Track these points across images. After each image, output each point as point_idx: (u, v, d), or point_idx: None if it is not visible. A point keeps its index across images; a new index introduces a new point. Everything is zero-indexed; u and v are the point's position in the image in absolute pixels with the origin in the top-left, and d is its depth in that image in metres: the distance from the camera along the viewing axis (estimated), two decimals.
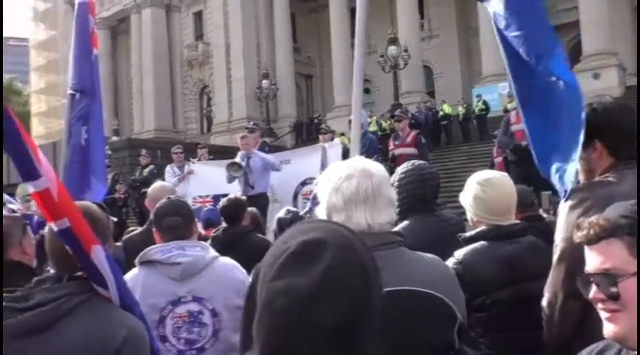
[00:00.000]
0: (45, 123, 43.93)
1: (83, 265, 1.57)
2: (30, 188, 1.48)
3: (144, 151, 12.70)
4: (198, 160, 9.33)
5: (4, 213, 4.16)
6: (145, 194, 4.42)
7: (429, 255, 1.63)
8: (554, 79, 2.13)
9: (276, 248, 0.93)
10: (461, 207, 2.38)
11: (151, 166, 11.77)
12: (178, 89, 36.67)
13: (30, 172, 1.45)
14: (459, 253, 2.11)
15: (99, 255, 1.56)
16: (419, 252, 1.62)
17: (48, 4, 44.08)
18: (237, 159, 6.99)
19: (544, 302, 1.83)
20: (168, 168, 9.03)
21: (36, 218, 6.81)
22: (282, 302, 0.85)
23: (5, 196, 8.98)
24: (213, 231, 3.97)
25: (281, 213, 3.55)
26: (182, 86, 36.71)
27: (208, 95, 35.93)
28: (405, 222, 2.66)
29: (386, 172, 1.64)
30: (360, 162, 1.61)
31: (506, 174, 2.40)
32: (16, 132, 1.44)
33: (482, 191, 2.19)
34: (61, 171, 3.81)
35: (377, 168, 1.59)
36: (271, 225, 4.24)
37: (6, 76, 53.28)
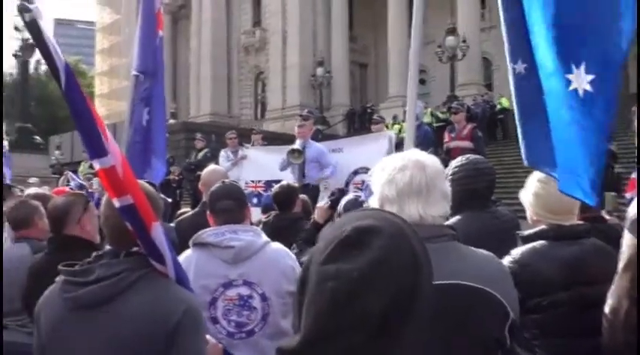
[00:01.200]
0: (106, 104, 45.54)
1: (142, 241, 1.62)
2: (96, 164, 1.53)
3: (199, 135, 12.97)
4: (252, 146, 9.45)
5: (68, 189, 4.33)
6: (199, 177, 4.51)
7: (483, 251, 1.60)
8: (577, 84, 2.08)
9: (330, 233, 0.94)
10: (517, 203, 2.31)
11: (206, 150, 12.02)
12: (234, 74, 37.19)
13: (98, 149, 1.50)
14: (516, 252, 2.05)
15: (158, 231, 1.61)
16: (472, 247, 1.59)
17: None
18: (297, 146, 6.94)
19: (607, 309, 1.76)
20: (222, 152, 9.19)
21: (96, 195, 7.09)
22: (331, 285, 0.86)
23: (69, 173, 9.42)
24: (265, 216, 4.02)
25: (350, 197, 3.52)
26: (238, 72, 37.19)
27: (263, 81, 36.26)
28: (457, 217, 2.60)
29: (441, 165, 1.62)
30: (414, 154, 1.60)
31: None
32: (88, 111, 1.49)
33: (543, 188, 2.13)
34: (122, 150, 3.94)
35: (431, 160, 1.58)
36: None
37: (72, 58, 55.54)
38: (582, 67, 2.09)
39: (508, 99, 21.43)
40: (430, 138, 8.36)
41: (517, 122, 2.29)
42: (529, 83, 2.25)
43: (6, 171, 6.87)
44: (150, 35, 4.00)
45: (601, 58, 2.05)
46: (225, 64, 36.87)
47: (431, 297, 0.91)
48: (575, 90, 2.10)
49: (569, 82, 2.12)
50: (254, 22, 36.33)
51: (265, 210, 4.74)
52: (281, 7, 33.13)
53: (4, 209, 3.54)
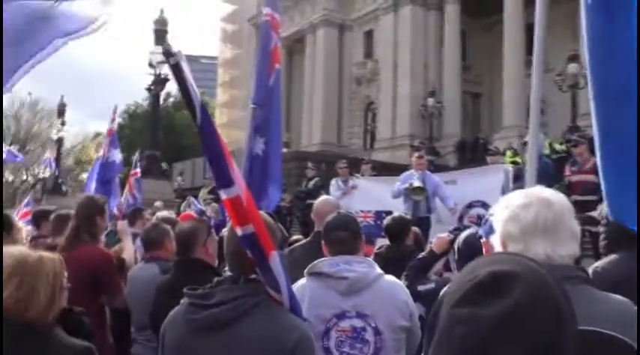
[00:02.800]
0: (225, 133, 48.17)
1: (261, 269, 1.68)
2: (223, 194, 1.63)
3: (310, 164, 13.31)
4: (362, 175, 9.53)
5: (192, 213, 4.59)
6: (309, 205, 4.61)
7: (618, 296, 1.48)
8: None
9: (463, 276, 0.91)
10: None
11: (316, 179, 12.28)
12: (345, 105, 37.88)
13: (226, 180, 1.60)
14: None
15: (275, 260, 1.67)
16: (605, 292, 1.48)
17: (235, 25, 48.58)
18: (419, 183, 6.88)
19: None
20: (333, 182, 9.35)
21: (213, 221, 7.48)
22: (461, 330, 0.82)
23: (191, 198, 10.04)
24: (377, 247, 4.01)
25: (470, 231, 3.46)
26: (349, 102, 37.84)
27: (373, 111, 36.55)
28: (613, 256, 2.42)
29: (568, 202, 1.53)
30: (538, 191, 1.53)
31: None
32: (219, 144, 1.60)
33: None
34: None
35: (558, 197, 1.50)
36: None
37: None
38: None
39: None
40: (549, 172, 7.93)
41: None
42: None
43: (137, 195, 7.48)
44: (266, 69, 4.20)
45: None
46: (336, 94, 37.72)
47: (574, 351, 0.84)
48: None
49: None
50: (365, 54, 36.91)
51: (366, 240, 4.71)
52: (393, 38, 33.42)
53: (137, 231, 3.84)
